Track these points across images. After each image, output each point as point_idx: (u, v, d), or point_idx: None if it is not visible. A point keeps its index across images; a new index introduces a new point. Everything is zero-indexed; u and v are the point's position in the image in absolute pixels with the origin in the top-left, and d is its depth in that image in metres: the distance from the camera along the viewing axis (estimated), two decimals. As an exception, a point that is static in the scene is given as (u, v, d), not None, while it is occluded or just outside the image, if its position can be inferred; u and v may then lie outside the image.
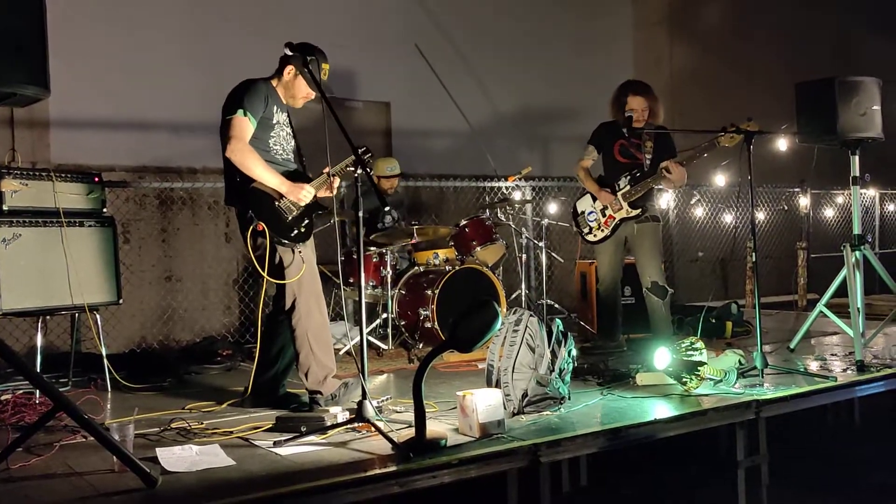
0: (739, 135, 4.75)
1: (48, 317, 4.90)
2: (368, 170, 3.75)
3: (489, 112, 8.67)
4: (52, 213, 4.72)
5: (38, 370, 4.53)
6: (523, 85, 9.05)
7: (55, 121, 6.49)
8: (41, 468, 3.16)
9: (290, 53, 4.10)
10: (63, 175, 4.89)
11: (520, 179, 7.14)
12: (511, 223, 6.68)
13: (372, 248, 5.98)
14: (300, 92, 4.20)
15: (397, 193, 6.97)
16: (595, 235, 5.79)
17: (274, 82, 4.21)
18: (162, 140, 6.96)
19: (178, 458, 3.20)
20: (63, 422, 3.63)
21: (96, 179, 5.04)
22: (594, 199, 5.78)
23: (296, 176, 4.19)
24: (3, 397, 4.33)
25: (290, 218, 4.08)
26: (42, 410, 4.04)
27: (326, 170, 4.17)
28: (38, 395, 4.36)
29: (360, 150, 3.87)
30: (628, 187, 5.59)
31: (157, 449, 3.30)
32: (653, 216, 5.68)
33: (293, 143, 4.31)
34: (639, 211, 5.58)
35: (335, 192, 4.25)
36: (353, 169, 3.79)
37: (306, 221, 4.17)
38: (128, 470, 2.88)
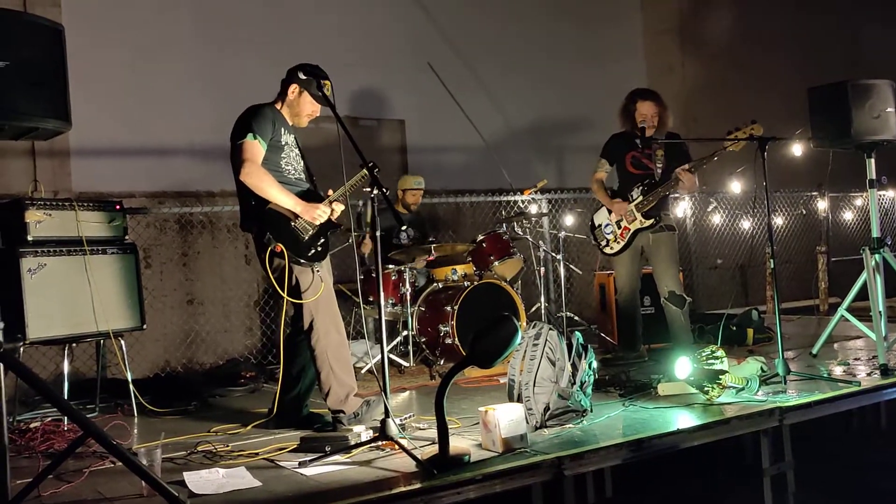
0: (745, 140, 4.78)
1: (74, 344, 4.96)
2: (385, 190, 3.79)
3: (503, 126, 8.70)
4: (76, 242, 4.80)
5: (66, 397, 4.59)
6: (536, 97, 9.08)
7: (75, 150, 6.58)
8: (72, 495, 3.21)
9: (304, 77, 4.18)
10: (85, 204, 4.96)
11: (535, 192, 7.17)
12: (528, 237, 6.70)
13: (391, 266, 6.02)
14: (305, 110, 4.26)
15: (413, 212, 7.03)
16: (612, 248, 5.81)
17: (278, 105, 4.27)
18: (180, 165, 7.04)
19: (206, 481, 3.24)
20: (92, 448, 3.68)
21: (117, 207, 5.11)
22: (610, 211, 5.80)
23: (309, 195, 4.24)
24: (33, 425, 4.40)
25: (306, 238, 4.13)
26: (70, 437, 4.11)
27: (330, 193, 4.19)
28: (66, 422, 4.42)
29: (369, 165, 3.89)
30: (641, 198, 5.61)
31: (184, 472, 3.33)
32: (668, 226, 5.68)
33: (303, 163, 4.36)
34: (652, 221, 5.59)
35: (337, 214, 4.25)
36: (369, 189, 3.83)
37: (322, 240, 4.21)
38: (156, 494, 2.91)
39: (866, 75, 5.07)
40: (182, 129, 7.03)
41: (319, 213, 4.12)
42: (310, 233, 4.14)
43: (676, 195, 6.03)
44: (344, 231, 5.11)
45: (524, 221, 6.71)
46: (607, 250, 5.86)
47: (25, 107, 2.86)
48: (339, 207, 4.22)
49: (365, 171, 3.92)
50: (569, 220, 7.45)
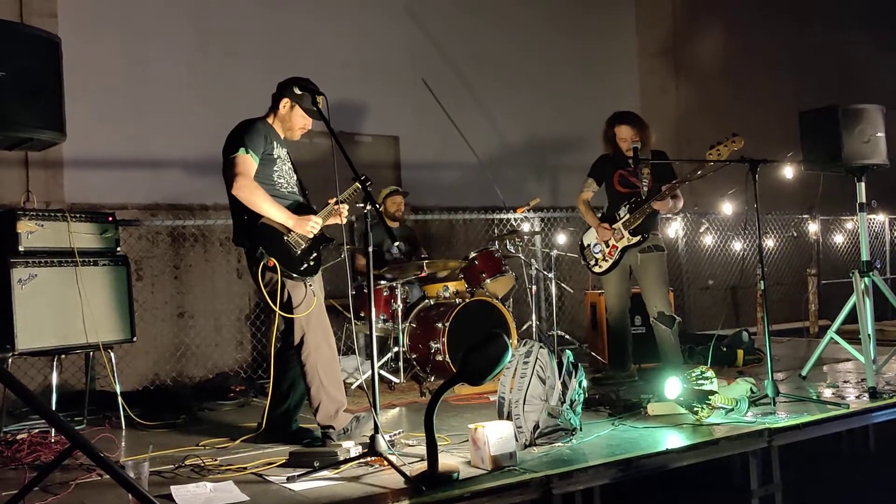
0: (737, 162, 4.80)
1: (63, 356, 4.95)
2: (378, 206, 3.81)
3: (497, 144, 8.75)
4: (67, 253, 4.79)
5: (54, 409, 4.57)
6: (530, 116, 9.14)
7: (68, 161, 6.58)
8: (57, 507, 3.20)
9: (298, 92, 4.20)
10: (77, 215, 4.96)
11: (528, 210, 7.19)
12: (520, 254, 6.71)
13: (382, 282, 6.02)
14: (297, 124, 4.28)
15: (406, 227, 7.04)
16: (601, 266, 5.82)
17: (270, 119, 4.29)
18: (174, 177, 7.05)
19: (193, 495, 3.22)
20: (79, 460, 3.66)
21: (110, 219, 5.11)
22: (599, 231, 5.83)
23: (302, 208, 4.25)
24: (19, 436, 4.37)
25: (298, 252, 4.13)
26: (57, 449, 4.08)
27: (332, 200, 4.24)
28: (53, 434, 4.40)
29: (361, 178, 3.94)
30: (628, 216, 5.64)
31: (171, 486, 3.32)
32: (656, 245, 5.70)
33: (295, 176, 4.38)
34: (639, 238, 5.61)
35: (344, 220, 4.31)
36: (362, 205, 3.84)
37: (314, 255, 4.22)
38: (143, 507, 2.90)
39: (861, 98, 5.11)
40: (176, 141, 7.03)
41: (312, 226, 4.13)
42: (302, 247, 4.15)
43: (668, 216, 6.06)
44: (336, 246, 5.12)
45: (516, 239, 6.73)
46: (596, 269, 5.87)
47: (21, 117, 2.87)
48: (344, 209, 4.24)
49: (357, 184, 3.97)
50: (561, 238, 7.48)
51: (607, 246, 5.75)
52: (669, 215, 5.97)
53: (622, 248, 5.68)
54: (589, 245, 5.90)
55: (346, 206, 4.29)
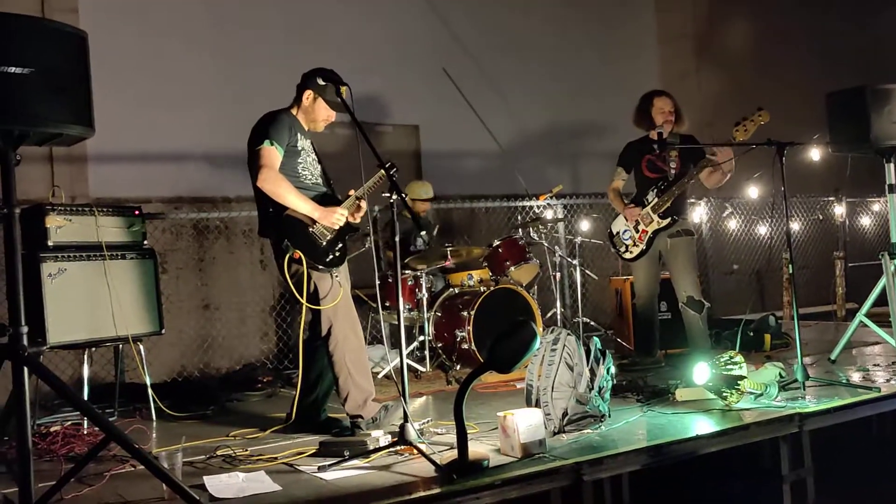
0: (763, 145, 4.73)
1: (93, 348, 4.99)
2: (404, 195, 3.80)
3: (518, 131, 8.71)
4: (95, 248, 4.83)
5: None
6: (551, 102, 9.08)
7: (92, 155, 6.62)
8: (93, 498, 3.22)
9: (321, 83, 4.20)
10: (104, 209, 5.00)
11: (551, 198, 7.17)
12: (544, 242, 6.70)
13: (407, 271, 6.03)
14: (321, 115, 4.28)
15: (427, 217, 7.03)
16: (632, 252, 5.79)
17: (294, 111, 4.29)
18: (196, 170, 7.07)
19: (226, 485, 3.25)
20: (112, 451, 3.70)
21: (136, 213, 5.14)
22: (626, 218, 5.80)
23: (327, 199, 4.25)
24: (53, 428, 4.42)
25: (324, 243, 4.14)
26: (90, 441, 4.13)
27: (352, 192, 4.24)
28: (86, 426, 4.45)
29: (387, 165, 3.94)
30: (656, 199, 5.60)
31: (204, 477, 3.35)
32: (685, 230, 5.67)
33: (320, 167, 4.38)
34: (669, 220, 5.57)
35: (362, 214, 4.30)
36: (388, 195, 3.84)
37: (340, 245, 4.22)
38: (177, 497, 2.93)
39: (886, 80, 5.05)
40: (198, 134, 7.05)
41: (337, 218, 4.13)
42: (328, 238, 4.15)
43: (693, 200, 6.01)
44: (361, 236, 5.13)
45: (540, 227, 6.71)
46: (627, 255, 5.84)
47: (50, 113, 2.88)
48: (363, 206, 4.25)
49: (382, 171, 3.97)
50: (584, 225, 7.44)
51: (637, 231, 5.72)
52: (693, 199, 5.93)
53: (652, 233, 5.65)
54: (618, 232, 5.87)
55: (365, 203, 4.28)
